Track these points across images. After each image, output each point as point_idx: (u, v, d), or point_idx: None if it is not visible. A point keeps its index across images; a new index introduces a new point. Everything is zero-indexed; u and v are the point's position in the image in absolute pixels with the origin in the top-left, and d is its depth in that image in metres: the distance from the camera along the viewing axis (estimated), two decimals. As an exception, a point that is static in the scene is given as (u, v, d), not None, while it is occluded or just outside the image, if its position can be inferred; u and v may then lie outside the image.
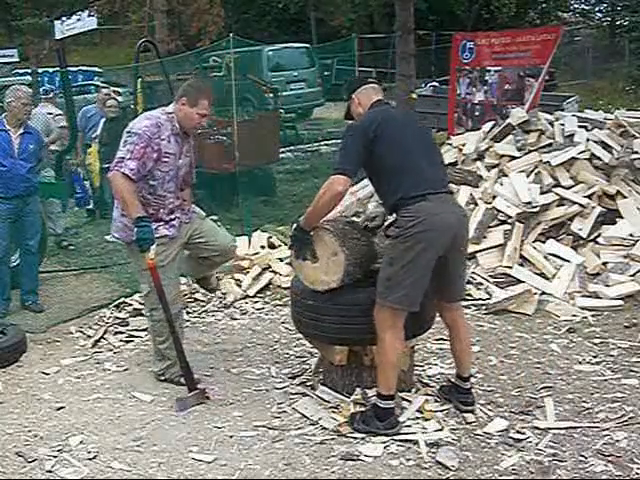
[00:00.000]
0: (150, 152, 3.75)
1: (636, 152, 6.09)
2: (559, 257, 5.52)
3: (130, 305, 5.46)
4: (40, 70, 18.67)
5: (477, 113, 9.12)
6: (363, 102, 3.60)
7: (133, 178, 3.70)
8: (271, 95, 11.52)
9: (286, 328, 4.93)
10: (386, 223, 3.67)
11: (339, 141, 3.57)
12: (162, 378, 4.13)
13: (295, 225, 3.56)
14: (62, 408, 3.89)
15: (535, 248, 5.63)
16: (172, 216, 3.97)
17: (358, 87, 3.66)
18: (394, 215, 3.40)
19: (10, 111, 5.44)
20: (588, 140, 6.31)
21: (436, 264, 3.30)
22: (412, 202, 3.26)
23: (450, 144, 7.43)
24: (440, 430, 3.38)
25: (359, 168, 3.34)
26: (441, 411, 3.57)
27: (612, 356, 4.28)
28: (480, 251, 5.70)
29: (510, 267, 5.48)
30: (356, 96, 3.63)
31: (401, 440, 3.31)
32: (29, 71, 18.47)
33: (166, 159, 3.83)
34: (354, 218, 3.81)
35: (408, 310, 3.31)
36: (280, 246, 6.30)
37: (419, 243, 3.21)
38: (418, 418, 3.49)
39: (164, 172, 3.85)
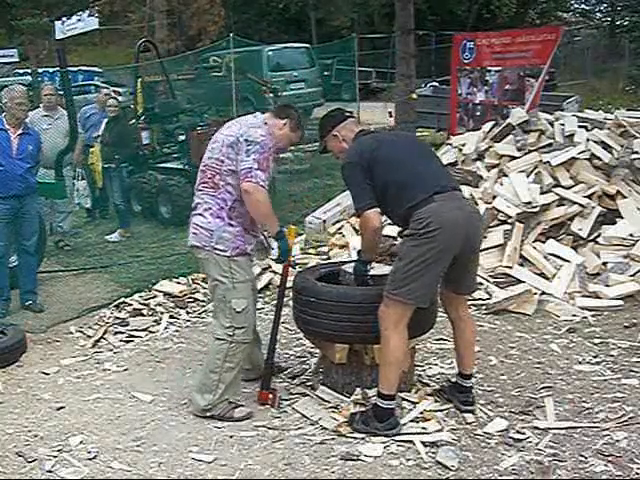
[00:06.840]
0: (270, 162, 3.59)
1: (636, 152, 6.09)
2: (559, 257, 5.52)
3: (130, 305, 5.47)
4: (40, 70, 18.71)
5: (478, 113, 9.15)
6: (347, 137, 3.63)
7: (267, 189, 3.53)
8: (271, 95, 11.52)
9: (286, 328, 4.92)
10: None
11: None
12: (208, 414, 3.66)
13: (358, 259, 3.66)
14: (62, 408, 3.89)
15: (535, 248, 5.63)
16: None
17: (339, 123, 3.66)
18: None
19: (7, 111, 5.48)
20: (588, 140, 6.31)
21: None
22: (421, 206, 3.28)
23: (450, 144, 7.43)
24: (440, 430, 3.39)
25: (375, 197, 3.38)
26: (441, 411, 3.58)
27: (612, 356, 4.29)
28: (480, 251, 5.68)
29: (510, 267, 5.48)
30: (338, 132, 3.63)
31: (401, 440, 3.31)
32: (29, 71, 18.52)
33: (270, 170, 3.65)
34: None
35: (414, 304, 3.30)
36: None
37: (429, 243, 3.22)
38: (418, 418, 3.49)
39: (267, 182, 3.62)
